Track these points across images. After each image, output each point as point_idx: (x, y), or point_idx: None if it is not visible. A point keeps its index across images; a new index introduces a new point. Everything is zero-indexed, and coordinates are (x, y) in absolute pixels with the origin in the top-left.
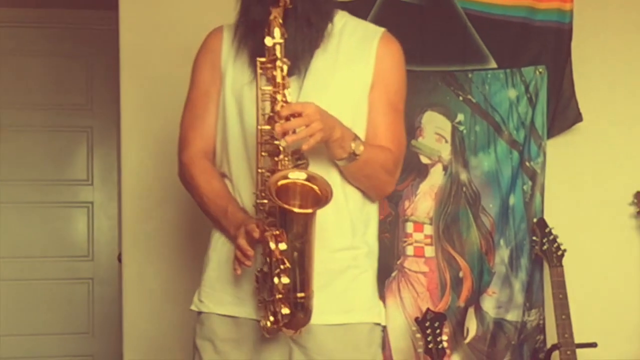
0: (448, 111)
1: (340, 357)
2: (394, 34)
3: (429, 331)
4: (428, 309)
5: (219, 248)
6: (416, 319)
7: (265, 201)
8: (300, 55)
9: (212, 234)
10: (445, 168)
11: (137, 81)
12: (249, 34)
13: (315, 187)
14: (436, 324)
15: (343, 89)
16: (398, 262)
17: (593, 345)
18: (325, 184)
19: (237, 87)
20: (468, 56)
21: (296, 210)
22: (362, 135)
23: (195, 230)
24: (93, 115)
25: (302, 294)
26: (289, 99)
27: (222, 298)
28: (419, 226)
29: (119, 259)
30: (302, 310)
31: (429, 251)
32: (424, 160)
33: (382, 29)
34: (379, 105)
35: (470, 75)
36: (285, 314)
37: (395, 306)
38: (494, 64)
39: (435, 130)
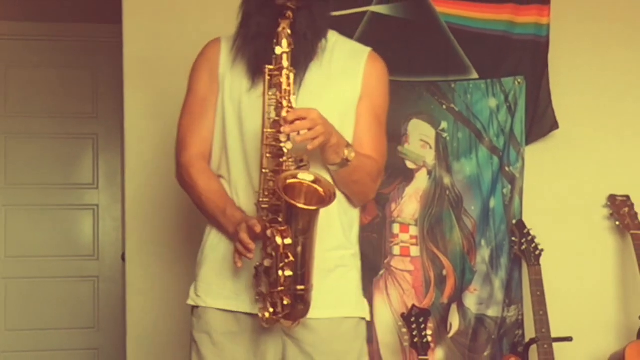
0: (432, 119)
1: (329, 349)
2: (381, 46)
3: (414, 326)
4: (413, 305)
5: (215, 246)
6: (402, 315)
7: (267, 199)
8: (296, 67)
9: (207, 232)
10: (429, 173)
11: (140, 91)
12: (248, 44)
13: (320, 188)
14: (421, 320)
15: (334, 100)
16: (385, 261)
17: (569, 339)
18: (329, 186)
19: (235, 94)
20: (451, 67)
21: (302, 206)
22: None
23: (194, 231)
24: (98, 123)
25: (303, 287)
26: (294, 104)
27: (219, 293)
28: (404, 227)
29: (123, 258)
30: (301, 302)
31: (415, 251)
32: (410, 165)
33: (369, 48)
34: (365, 118)
35: (453, 86)
36: (287, 305)
37: (383, 302)
38: (475, 75)
39: (420, 137)
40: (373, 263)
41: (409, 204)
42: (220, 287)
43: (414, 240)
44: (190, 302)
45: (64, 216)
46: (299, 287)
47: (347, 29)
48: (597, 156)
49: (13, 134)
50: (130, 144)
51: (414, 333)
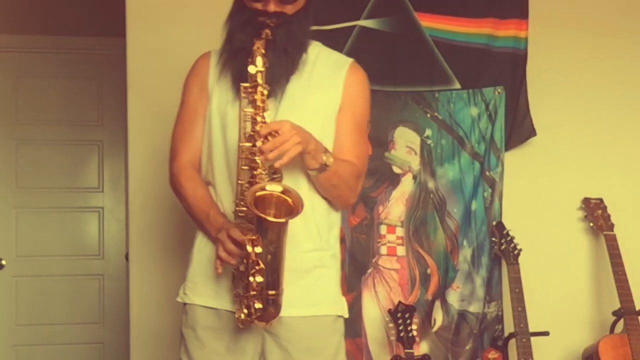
0: (417, 127)
1: (307, 345)
2: (369, 58)
3: (400, 321)
4: (400, 302)
5: (202, 248)
6: (389, 311)
7: (244, 209)
8: (277, 80)
9: (196, 235)
10: (414, 177)
11: (142, 100)
12: (232, 59)
13: (289, 199)
14: (407, 315)
15: (314, 110)
16: (373, 260)
17: (545, 333)
18: (297, 197)
19: (221, 105)
20: (435, 78)
21: (270, 219)
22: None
23: (192, 232)
24: (103, 130)
25: (274, 292)
26: (267, 120)
27: (203, 292)
28: (391, 228)
29: (126, 258)
30: (272, 305)
31: (401, 250)
32: (396, 170)
33: (351, 59)
34: (346, 126)
35: (437, 95)
36: (258, 308)
37: (371, 299)
38: (457, 85)
39: (406, 144)
40: (362, 262)
41: (396, 206)
42: (204, 286)
43: (400, 241)
44: (179, 299)
45: (71, 218)
46: (270, 292)
47: (337, 41)
48: (572, 161)
49: (23, 141)
50: (133, 150)
51: (400, 328)
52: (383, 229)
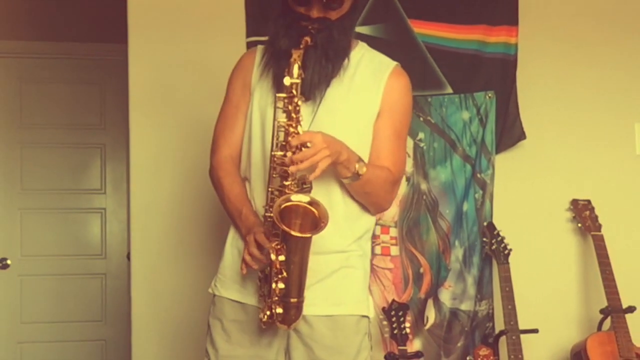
0: (410, 130)
1: (329, 343)
2: None
3: (394, 319)
4: (393, 300)
5: (234, 243)
6: (383, 309)
7: (272, 215)
8: (316, 84)
9: (230, 230)
10: (408, 179)
11: (143, 104)
12: (274, 61)
13: (315, 210)
14: (400, 313)
15: (351, 115)
16: None
17: (535, 331)
18: (324, 210)
19: (262, 105)
20: (428, 83)
21: (295, 234)
22: (365, 155)
23: (192, 233)
24: (106, 133)
25: (295, 299)
26: (300, 131)
27: (232, 285)
28: (385, 229)
29: (128, 257)
30: (294, 311)
31: (394, 250)
32: None
33: (395, 63)
34: (384, 131)
35: (429, 100)
36: (279, 313)
37: None
38: (449, 90)
39: None
40: None
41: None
42: (233, 280)
43: (393, 241)
44: (210, 290)
45: (74, 219)
46: (292, 300)
47: None
48: (561, 164)
49: (28, 144)
50: (134, 153)
51: (394, 325)
52: (377, 230)
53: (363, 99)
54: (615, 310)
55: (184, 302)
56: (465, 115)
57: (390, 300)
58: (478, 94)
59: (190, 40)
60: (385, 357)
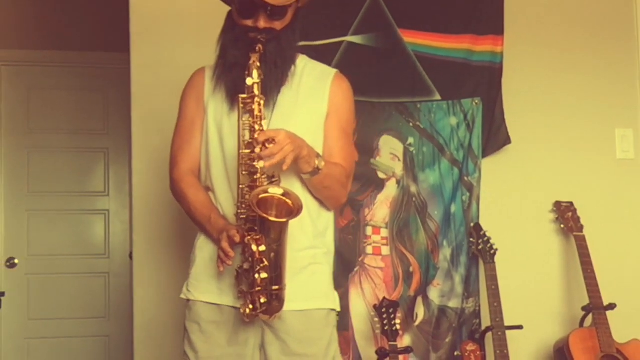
0: (401, 135)
1: (303, 336)
2: (356, 71)
3: (385, 316)
4: (384, 298)
5: (203, 248)
6: (374, 306)
7: (245, 211)
8: (268, 92)
9: (197, 237)
10: (398, 182)
11: (145, 110)
12: (226, 73)
13: (289, 201)
14: (391, 310)
15: (303, 118)
16: (359, 259)
17: (520, 327)
18: (297, 199)
19: (217, 117)
20: (417, 90)
21: (273, 219)
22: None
23: (192, 233)
24: (109, 138)
25: (277, 287)
26: (265, 128)
27: (206, 289)
28: (376, 230)
29: (131, 257)
30: (276, 300)
31: (385, 250)
32: (381, 175)
33: (335, 70)
34: (333, 131)
35: (418, 106)
36: (264, 303)
37: (357, 295)
38: (438, 97)
39: (390, 151)
40: (349, 261)
41: (380, 209)
42: (207, 284)
43: (384, 241)
44: (182, 296)
45: (79, 220)
46: (274, 287)
47: (326, 56)
48: (545, 167)
49: (34, 148)
50: (136, 157)
51: (385, 322)
52: (369, 230)
53: (311, 103)
54: (596, 308)
55: (183, 300)
56: (453, 120)
57: (381, 298)
58: (465, 100)
59: (190, 49)
60: (376, 352)
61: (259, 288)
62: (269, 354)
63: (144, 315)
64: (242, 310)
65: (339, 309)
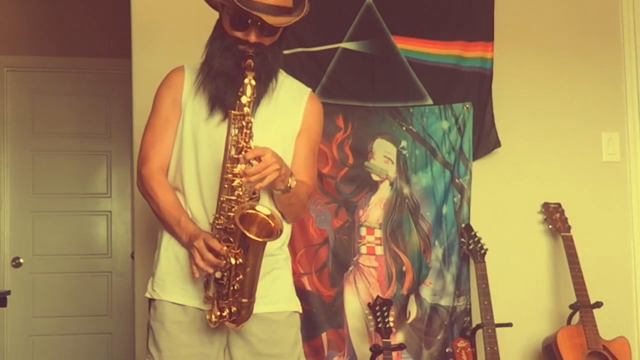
0: (394, 138)
1: (267, 337)
2: (350, 76)
3: (378, 314)
4: (378, 296)
5: (168, 249)
6: (369, 304)
7: (222, 222)
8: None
9: (161, 236)
10: (391, 184)
11: (146, 114)
12: (210, 80)
13: (272, 223)
14: (384, 308)
15: (278, 132)
16: (354, 259)
17: (509, 325)
18: (280, 223)
19: (195, 121)
20: (410, 95)
21: (254, 238)
22: None
23: None
24: (111, 141)
25: (246, 300)
26: (252, 145)
27: (172, 289)
28: (370, 230)
29: (132, 257)
30: (245, 311)
31: (379, 250)
32: (375, 177)
33: (310, 89)
34: (302, 150)
35: (411, 110)
36: (233, 312)
37: (352, 294)
38: (430, 101)
39: (384, 154)
40: (344, 260)
41: (374, 210)
42: (172, 284)
43: (378, 241)
44: (147, 295)
45: (82, 221)
46: (244, 300)
47: (322, 62)
48: (533, 170)
49: (39, 151)
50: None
51: (379, 320)
52: (363, 231)
53: (287, 118)
54: (583, 306)
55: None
56: (445, 124)
57: (375, 296)
58: (456, 105)
59: (190, 55)
60: (370, 349)
61: (231, 299)
62: (234, 356)
63: (145, 313)
64: (207, 317)
65: (300, 311)
